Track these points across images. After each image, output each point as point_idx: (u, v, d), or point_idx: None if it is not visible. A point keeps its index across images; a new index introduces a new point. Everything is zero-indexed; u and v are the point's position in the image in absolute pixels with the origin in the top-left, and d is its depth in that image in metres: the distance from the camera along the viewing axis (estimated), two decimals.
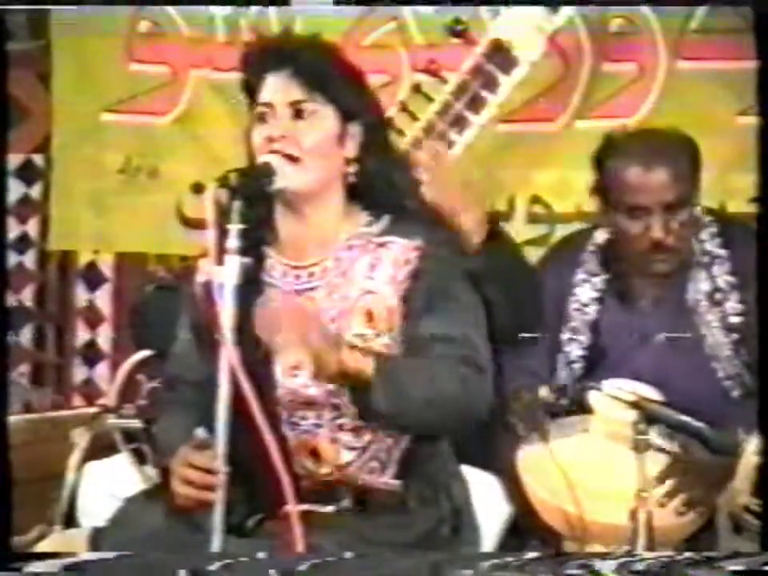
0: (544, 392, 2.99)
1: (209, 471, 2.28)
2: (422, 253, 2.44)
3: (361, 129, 2.47)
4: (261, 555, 2.28)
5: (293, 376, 2.40)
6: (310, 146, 2.41)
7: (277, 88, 2.43)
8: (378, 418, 2.38)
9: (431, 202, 2.70)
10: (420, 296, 2.42)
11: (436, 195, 2.71)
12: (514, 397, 2.97)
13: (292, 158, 2.40)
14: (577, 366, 3.04)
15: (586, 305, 3.05)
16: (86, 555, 2.37)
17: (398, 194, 2.50)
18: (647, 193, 2.92)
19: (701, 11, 3.66)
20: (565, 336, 3.05)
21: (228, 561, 2.21)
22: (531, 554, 2.42)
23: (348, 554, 2.31)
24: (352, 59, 2.54)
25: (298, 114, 2.43)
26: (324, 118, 2.44)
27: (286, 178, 2.39)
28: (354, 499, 2.43)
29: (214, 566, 2.19)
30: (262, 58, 2.47)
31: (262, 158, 2.40)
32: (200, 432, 2.32)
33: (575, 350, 3.04)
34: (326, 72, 2.44)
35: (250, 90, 2.49)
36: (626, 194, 2.94)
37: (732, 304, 2.94)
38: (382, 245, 2.47)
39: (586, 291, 3.06)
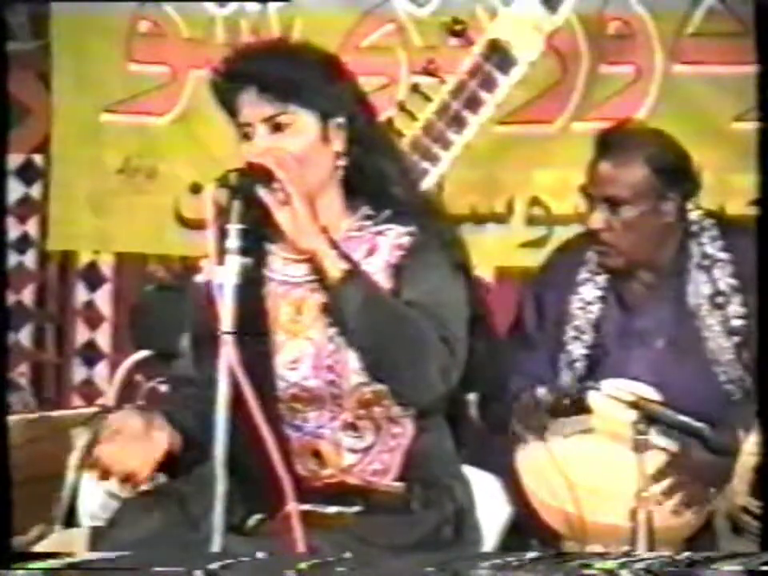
0: (543, 393, 3.01)
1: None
2: (415, 237, 2.44)
3: (344, 121, 2.44)
4: (260, 555, 2.26)
5: (292, 369, 2.42)
6: (295, 156, 2.40)
7: (250, 106, 2.41)
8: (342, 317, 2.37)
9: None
10: (407, 271, 2.42)
11: None
12: (514, 398, 2.98)
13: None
14: (579, 365, 3.04)
15: (589, 303, 3.06)
16: (89, 555, 2.36)
17: (391, 182, 2.48)
18: (595, 183, 2.94)
19: (698, 14, 3.68)
20: (568, 335, 3.05)
21: (228, 561, 2.21)
22: (531, 554, 2.42)
23: (347, 554, 2.30)
24: (322, 51, 2.50)
25: (276, 127, 2.41)
26: (304, 124, 2.42)
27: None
28: (357, 501, 2.42)
29: (214, 566, 2.18)
30: (230, 78, 2.45)
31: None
32: None
33: (578, 349, 3.05)
34: (294, 80, 2.41)
35: (229, 108, 2.46)
36: (584, 181, 2.97)
37: (734, 307, 2.94)
38: (379, 233, 2.47)
39: (589, 290, 3.06)
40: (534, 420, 2.87)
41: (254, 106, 2.41)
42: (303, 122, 2.42)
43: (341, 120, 2.44)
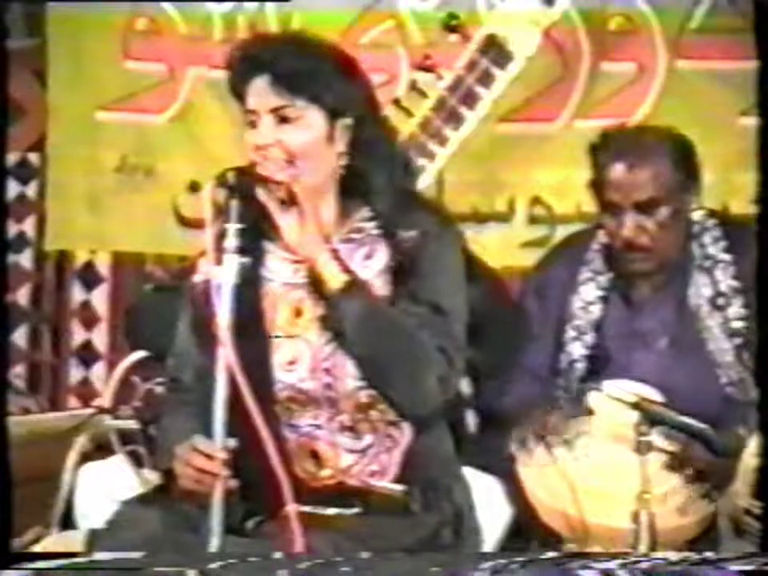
0: (544, 394, 3.00)
1: (212, 457, 2.27)
2: (415, 243, 2.42)
3: (351, 122, 2.43)
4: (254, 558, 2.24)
5: (289, 371, 2.40)
6: (298, 151, 2.38)
7: (259, 94, 2.41)
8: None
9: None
10: (405, 276, 2.41)
11: None
12: (514, 399, 2.96)
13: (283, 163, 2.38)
14: (580, 365, 3.02)
15: (590, 303, 3.04)
16: (89, 555, 2.34)
17: (394, 185, 2.47)
18: (618, 190, 2.92)
19: (701, 10, 3.66)
20: (569, 335, 3.03)
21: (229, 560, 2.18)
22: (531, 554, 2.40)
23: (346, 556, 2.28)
24: (340, 49, 2.50)
25: (283, 120, 2.40)
26: (311, 120, 2.41)
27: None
28: (355, 502, 2.41)
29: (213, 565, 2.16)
30: (244, 63, 2.44)
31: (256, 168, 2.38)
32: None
33: (578, 350, 3.02)
34: (308, 74, 2.39)
35: (238, 93, 2.46)
36: (603, 189, 2.95)
37: (735, 309, 2.92)
38: (377, 236, 2.46)
39: (590, 290, 3.05)
40: (535, 421, 2.85)
41: (262, 94, 2.40)
42: (311, 117, 2.41)
43: (348, 121, 2.42)
